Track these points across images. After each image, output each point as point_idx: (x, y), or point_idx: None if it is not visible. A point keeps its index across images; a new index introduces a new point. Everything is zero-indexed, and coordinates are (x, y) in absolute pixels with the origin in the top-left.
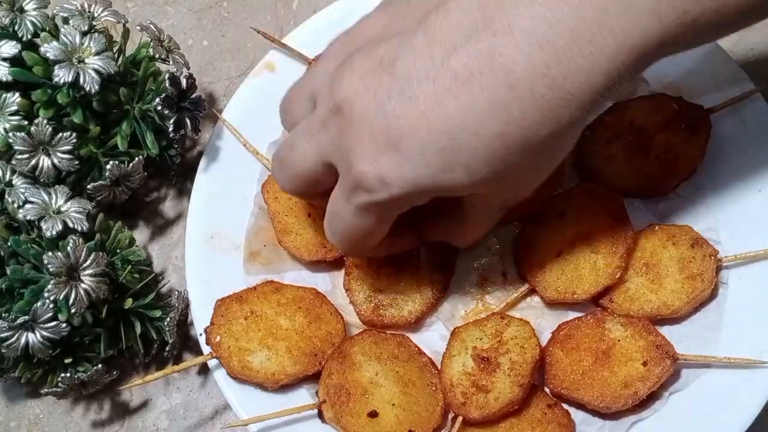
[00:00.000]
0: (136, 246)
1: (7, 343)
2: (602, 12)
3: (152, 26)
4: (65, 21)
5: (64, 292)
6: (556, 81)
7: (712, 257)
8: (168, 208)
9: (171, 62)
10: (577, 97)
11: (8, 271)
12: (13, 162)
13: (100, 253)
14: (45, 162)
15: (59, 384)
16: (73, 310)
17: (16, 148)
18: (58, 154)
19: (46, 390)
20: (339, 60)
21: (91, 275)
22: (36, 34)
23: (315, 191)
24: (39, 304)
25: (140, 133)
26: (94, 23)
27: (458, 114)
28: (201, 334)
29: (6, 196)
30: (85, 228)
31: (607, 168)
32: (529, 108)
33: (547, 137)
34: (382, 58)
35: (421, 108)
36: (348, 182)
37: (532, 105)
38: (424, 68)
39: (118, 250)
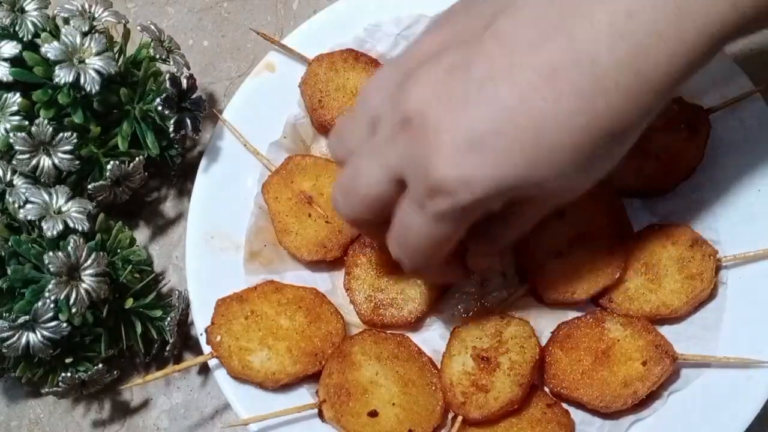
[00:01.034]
0: (137, 246)
1: (8, 342)
2: (681, 0)
3: (153, 26)
4: (66, 21)
5: (64, 292)
6: (640, 70)
7: (712, 257)
8: (168, 208)
9: (171, 62)
10: (659, 85)
11: (9, 271)
12: (14, 162)
13: (101, 253)
14: (46, 162)
15: (60, 384)
16: (73, 310)
17: (16, 148)
18: (59, 154)
19: (46, 390)
20: (396, 81)
21: (91, 275)
22: (37, 35)
23: (381, 216)
24: (40, 303)
25: (141, 133)
26: (95, 23)
27: (544, 109)
28: (201, 334)
29: (7, 196)
30: (85, 228)
31: None
32: (614, 99)
33: (629, 127)
34: (451, 66)
35: (505, 106)
36: (423, 191)
37: (617, 95)
38: (502, 69)
39: (118, 250)
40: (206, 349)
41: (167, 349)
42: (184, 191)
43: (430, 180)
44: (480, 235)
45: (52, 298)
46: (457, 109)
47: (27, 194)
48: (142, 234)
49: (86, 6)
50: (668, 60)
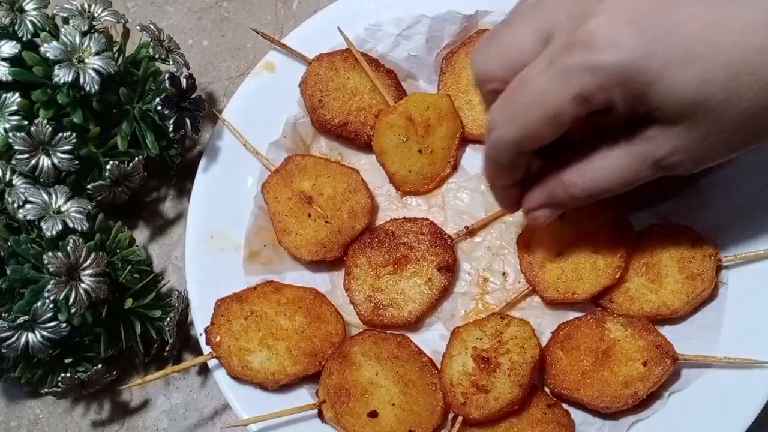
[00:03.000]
0: (136, 246)
1: (7, 343)
2: None
3: (152, 26)
4: (65, 21)
5: (64, 292)
6: None
7: (712, 257)
8: (168, 208)
9: (171, 62)
10: None
11: (8, 271)
12: (13, 162)
13: (100, 253)
14: (45, 162)
15: (59, 384)
16: (73, 310)
17: (16, 148)
18: (58, 154)
19: (46, 390)
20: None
21: (91, 275)
22: (36, 34)
23: (559, 133)
24: (39, 304)
25: (140, 133)
26: (94, 23)
27: (722, 20)
28: (201, 334)
29: (6, 196)
30: (85, 228)
31: None
32: None
33: None
34: None
35: (687, 12)
36: (564, 44)
37: None
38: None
39: (118, 250)
40: (206, 349)
41: (167, 349)
42: (183, 191)
43: (579, 32)
44: (560, 168)
45: (52, 298)
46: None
47: (26, 194)
48: (141, 234)
49: (85, 6)
50: None
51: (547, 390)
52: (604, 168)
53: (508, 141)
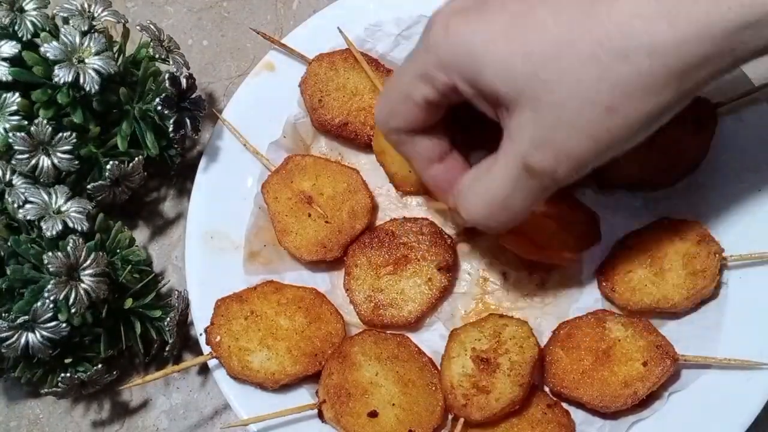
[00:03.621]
0: (136, 246)
1: (7, 343)
2: None
3: (152, 26)
4: (65, 21)
5: (64, 292)
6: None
7: (717, 255)
8: (168, 208)
9: (171, 62)
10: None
11: (8, 271)
12: (13, 162)
13: (100, 253)
14: (45, 162)
15: (59, 384)
16: (73, 310)
17: (16, 148)
18: (58, 154)
19: (46, 390)
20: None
21: (91, 275)
22: (36, 34)
23: (422, 114)
24: (39, 304)
25: (140, 133)
26: (94, 23)
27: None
28: (201, 334)
29: (6, 196)
30: (85, 228)
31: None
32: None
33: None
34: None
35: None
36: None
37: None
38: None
39: (118, 250)
40: (206, 349)
41: (167, 349)
42: (183, 191)
43: (427, 33)
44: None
45: (52, 298)
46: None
47: (26, 194)
48: (141, 234)
49: (85, 5)
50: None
51: (546, 389)
52: (489, 188)
53: (379, 121)
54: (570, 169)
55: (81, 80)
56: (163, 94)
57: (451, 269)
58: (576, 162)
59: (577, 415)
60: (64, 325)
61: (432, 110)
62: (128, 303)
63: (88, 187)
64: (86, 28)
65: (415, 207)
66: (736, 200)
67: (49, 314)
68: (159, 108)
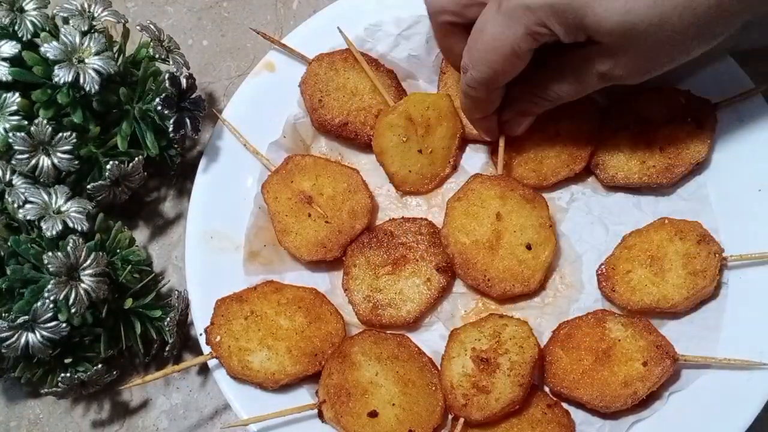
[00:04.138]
0: (136, 246)
1: (7, 343)
2: None
3: (152, 26)
4: (65, 21)
5: (64, 292)
6: None
7: (717, 255)
8: (168, 208)
9: (171, 62)
10: None
11: (8, 271)
12: (13, 162)
13: (100, 253)
14: (45, 162)
15: (59, 384)
16: (73, 310)
17: (16, 148)
18: (58, 154)
19: (46, 390)
20: None
21: (91, 275)
22: (36, 34)
23: (523, 65)
24: (39, 304)
25: (140, 133)
26: (94, 23)
27: None
28: (201, 334)
29: (6, 196)
30: (85, 228)
31: (610, 158)
32: None
33: None
34: None
35: None
36: None
37: None
38: None
39: (118, 250)
40: (206, 349)
41: (167, 349)
42: (183, 191)
43: None
44: (532, 84)
45: (52, 298)
46: None
47: (26, 194)
48: (141, 234)
49: (85, 5)
50: None
51: (546, 389)
52: (564, 81)
53: (481, 80)
54: (641, 79)
55: (81, 80)
56: (163, 94)
57: (449, 269)
58: (647, 76)
59: (577, 415)
60: (64, 325)
61: (527, 58)
62: (128, 303)
63: (88, 187)
64: (86, 28)
65: (415, 207)
66: (735, 200)
67: (49, 314)
68: (159, 108)
